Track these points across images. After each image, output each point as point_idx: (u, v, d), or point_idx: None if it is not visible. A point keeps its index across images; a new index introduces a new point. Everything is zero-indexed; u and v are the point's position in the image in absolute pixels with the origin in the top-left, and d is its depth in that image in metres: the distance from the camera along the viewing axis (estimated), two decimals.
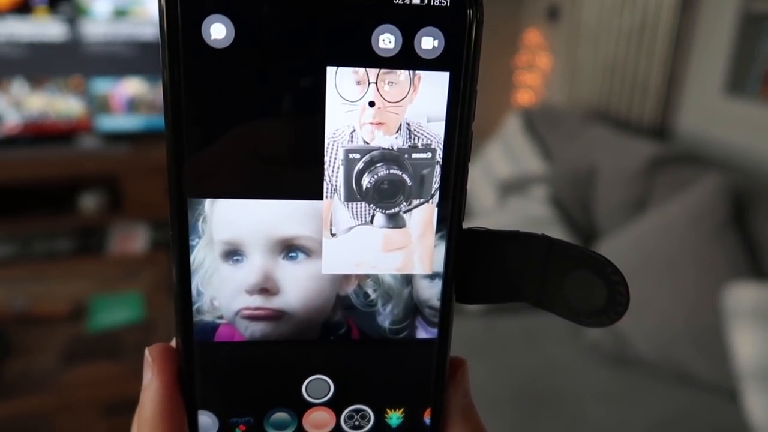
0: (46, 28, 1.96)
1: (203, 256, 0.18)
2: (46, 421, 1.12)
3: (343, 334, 0.20)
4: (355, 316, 0.20)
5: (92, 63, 2.04)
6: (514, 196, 1.69)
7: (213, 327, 0.19)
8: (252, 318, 0.19)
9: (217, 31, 0.16)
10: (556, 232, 1.49)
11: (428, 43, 0.17)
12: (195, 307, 0.19)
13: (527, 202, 1.61)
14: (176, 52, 0.16)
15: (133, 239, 2.19)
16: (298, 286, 0.19)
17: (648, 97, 1.73)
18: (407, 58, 0.17)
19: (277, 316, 0.19)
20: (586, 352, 1.23)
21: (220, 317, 0.19)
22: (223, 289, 0.18)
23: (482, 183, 1.95)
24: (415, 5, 0.17)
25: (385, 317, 0.20)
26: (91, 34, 2.00)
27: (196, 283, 0.18)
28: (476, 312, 1.40)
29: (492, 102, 2.54)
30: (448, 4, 0.17)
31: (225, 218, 0.18)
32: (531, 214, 1.55)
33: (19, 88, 2.01)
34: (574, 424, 1.06)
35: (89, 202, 2.14)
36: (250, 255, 0.18)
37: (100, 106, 2.10)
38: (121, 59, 2.05)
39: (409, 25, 0.17)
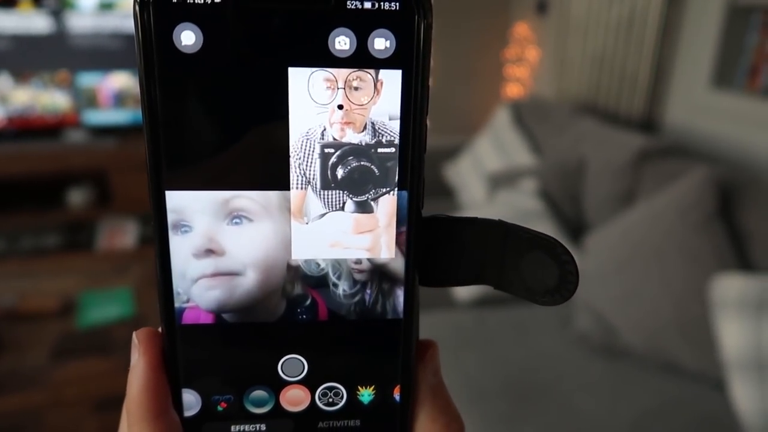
0: (30, 21, 1.94)
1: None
2: (36, 417, 1.11)
3: (309, 307, 0.21)
4: (314, 287, 0.21)
5: (78, 56, 2.01)
6: (503, 189, 1.69)
7: (180, 311, 0.20)
8: (208, 287, 0.20)
9: (187, 37, 0.18)
10: (546, 224, 1.50)
11: (381, 43, 0.18)
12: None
13: (516, 195, 1.62)
14: (150, 57, 0.18)
15: (121, 234, 2.17)
16: (244, 247, 0.20)
17: (636, 90, 1.74)
18: (362, 58, 0.19)
19: (229, 280, 0.20)
20: (575, 344, 1.24)
21: (186, 301, 0.20)
22: (176, 262, 0.20)
23: (472, 176, 1.95)
24: (367, 10, 0.18)
25: (340, 285, 0.21)
26: (76, 26, 1.98)
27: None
28: (466, 304, 1.41)
29: (481, 95, 2.55)
30: (398, 8, 0.18)
31: (181, 207, 0.19)
32: (520, 207, 1.55)
33: (3, 81, 1.99)
34: (563, 414, 1.07)
35: (77, 197, 2.12)
36: (195, 223, 0.19)
37: (87, 100, 2.07)
38: (107, 52, 2.02)
39: (362, 27, 0.18)
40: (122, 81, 2.08)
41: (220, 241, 0.20)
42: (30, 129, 2.05)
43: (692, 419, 1.04)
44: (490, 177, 1.78)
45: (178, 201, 0.19)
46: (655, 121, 1.72)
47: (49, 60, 2.00)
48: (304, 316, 0.21)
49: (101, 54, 2.03)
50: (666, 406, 1.07)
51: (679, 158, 1.37)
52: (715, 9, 1.47)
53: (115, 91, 2.09)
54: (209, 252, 0.20)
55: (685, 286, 1.11)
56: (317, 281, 0.21)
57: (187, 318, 0.21)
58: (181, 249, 0.20)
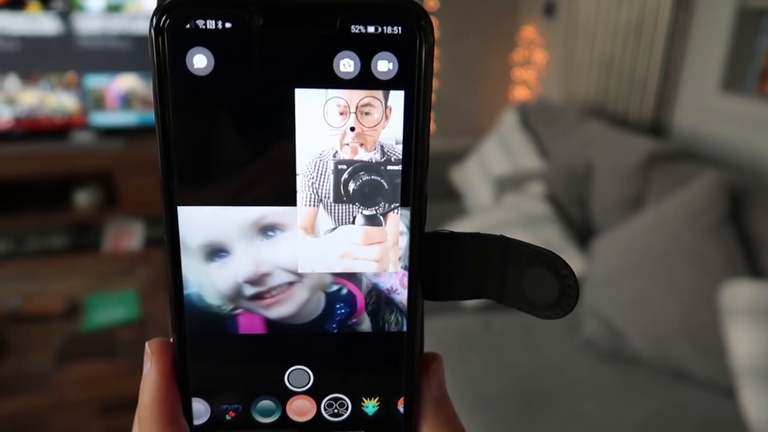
0: (38, 22, 1.95)
1: (190, 261, 0.21)
2: (40, 420, 1.11)
3: (347, 300, 0.22)
4: (354, 281, 0.22)
5: (86, 58, 2.02)
6: (510, 193, 1.68)
7: (232, 317, 0.21)
8: (270, 304, 0.21)
9: (200, 61, 0.19)
10: (553, 228, 1.49)
11: (384, 66, 0.20)
12: (200, 303, 0.21)
13: (523, 198, 1.61)
14: (165, 79, 0.19)
15: (128, 236, 2.18)
16: (284, 259, 0.21)
17: (644, 94, 1.73)
18: (366, 79, 0.20)
19: (288, 289, 0.21)
20: (583, 349, 1.23)
21: (234, 309, 0.21)
22: (223, 284, 0.21)
23: (478, 179, 1.95)
24: (371, 34, 0.19)
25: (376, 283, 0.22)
26: (84, 28, 1.98)
27: (195, 283, 0.21)
28: (473, 308, 1.40)
29: (488, 98, 2.54)
30: (400, 33, 0.19)
31: (194, 223, 0.20)
32: (527, 211, 1.55)
33: (11, 83, 2.00)
34: (569, 421, 1.06)
35: (84, 199, 2.12)
36: (233, 249, 0.20)
37: (95, 101, 2.08)
38: (115, 54, 2.03)
39: (366, 50, 0.19)
40: (129, 82, 2.08)
41: (264, 261, 0.21)
42: (37, 130, 2.06)
43: (701, 427, 1.03)
44: (497, 180, 1.77)
45: (205, 234, 0.20)
46: (663, 124, 1.71)
47: (57, 61, 2.01)
48: (343, 311, 0.22)
49: (109, 55, 2.03)
50: (674, 414, 1.06)
51: (688, 162, 1.36)
52: (725, 11, 1.46)
53: (122, 93, 2.09)
54: (263, 276, 0.21)
55: (694, 291, 1.10)
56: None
57: (243, 327, 0.22)
58: (225, 276, 0.21)
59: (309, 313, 0.22)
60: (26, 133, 2.05)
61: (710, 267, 1.09)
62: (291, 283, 0.21)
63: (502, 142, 1.96)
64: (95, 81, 2.06)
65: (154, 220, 2.28)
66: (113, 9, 1.99)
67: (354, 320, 0.22)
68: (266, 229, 0.21)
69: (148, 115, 2.14)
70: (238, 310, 0.21)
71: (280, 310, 0.22)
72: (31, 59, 1.98)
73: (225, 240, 0.21)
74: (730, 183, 1.14)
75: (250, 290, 0.21)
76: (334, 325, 0.22)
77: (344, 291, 0.22)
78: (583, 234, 1.54)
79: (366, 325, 0.22)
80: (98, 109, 2.09)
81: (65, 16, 1.96)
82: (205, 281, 0.21)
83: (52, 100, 2.05)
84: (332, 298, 0.22)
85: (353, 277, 0.22)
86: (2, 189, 2.05)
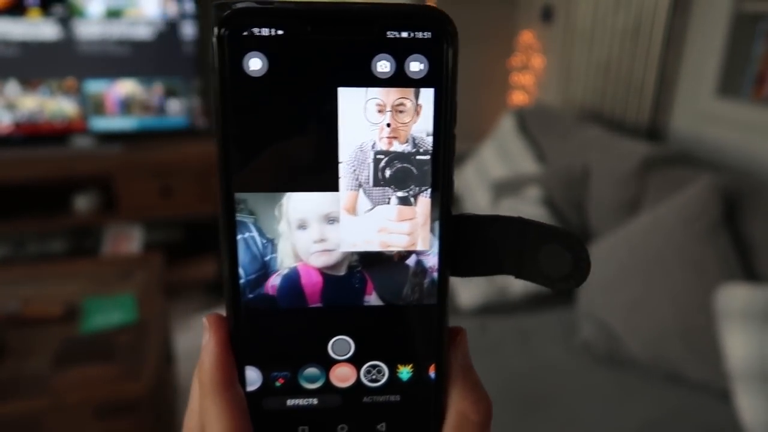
0: (38, 28, 1.96)
1: (283, 229, 0.24)
2: (38, 423, 1.11)
3: (360, 280, 0.25)
4: (369, 268, 0.25)
5: (86, 63, 2.03)
6: (507, 197, 1.69)
7: (292, 269, 0.24)
8: (320, 255, 0.25)
9: (255, 63, 0.22)
10: None
11: (416, 66, 0.22)
12: (278, 259, 0.24)
13: (521, 202, 1.62)
14: (224, 80, 0.22)
15: (126, 240, 2.18)
16: (335, 236, 0.25)
17: (641, 98, 1.74)
18: (400, 78, 0.22)
19: (330, 252, 0.25)
20: (579, 352, 1.24)
21: (294, 264, 0.24)
22: (300, 244, 0.24)
23: (476, 183, 1.95)
24: (404, 38, 0.22)
25: (386, 274, 0.25)
26: (84, 34, 2.00)
27: (277, 247, 0.24)
28: (469, 311, 1.40)
29: (487, 103, 2.55)
30: (430, 37, 0.22)
31: (295, 207, 0.24)
32: (524, 215, 1.55)
33: (12, 88, 2.01)
34: (566, 423, 1.06)
35: (83, 203, 2.13)
36: (311, 224, 0.24)
37: (94, 106, 2.09)
38: (114, 59, 2.04)
39: (400, 53, 0.22)
40: (129, 88, 2.09)
41: (325, 233, 0.24)
42: (37, 135, 2.07)
43: (696, 430, 1.03)
44: (495, 184, 1.78)
45: (300, 213, 0.24)
46: (660, 129, 1.71)
47: (57, 67, 2.02)
48: (357, 285, 0.25)
49: (108, 61, 2.04)
50: (670, 417, 1.06)
51: (684, 167, 1.36)
52: (720, 16, 1.46)
53: (121, 98, 2.11)
54: (322, 240, 0.24)
55: (689, 295, 1.11)
56: (370, 262, 0.25)
57: (302, 273, 0.25)
58: (305, 238, 0.24)
59: (340, 277, 0.25)
60: (26, 138, 2.06)
61: (705, 271, 1.10)
62: (332, 250, 0.25)
63: (499, 146, 1.97)
64: (95, 86, 2.07)
65: (153, 225, 2.29)
66: (113, 15, 2.00)
67: (366, 298, 0.25)
68: (329, 219, 0.24)
69: (147, 120, 2.15)
70: (298, 263, 0.24)
71: (325, 259, 0.25)
72: (32, 65, 2.00)
73: (305, 218, 0.24)
74: (726, 187, 1.15)
75: (314, 247, 0.24)
76: (363, 298, 0.25)
77: (358, 269, 0.24)
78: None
79: (377, 301, 0.25)
80: (98, 114, 2.10)
81: (65, 21, 1.97)
82: (292, 242, 0.24)
83: (52, 105, 2.06)
84: (352, 273, 0.25)
85: (375, 258, 0.24)
86: (2, 193, 2.06)
